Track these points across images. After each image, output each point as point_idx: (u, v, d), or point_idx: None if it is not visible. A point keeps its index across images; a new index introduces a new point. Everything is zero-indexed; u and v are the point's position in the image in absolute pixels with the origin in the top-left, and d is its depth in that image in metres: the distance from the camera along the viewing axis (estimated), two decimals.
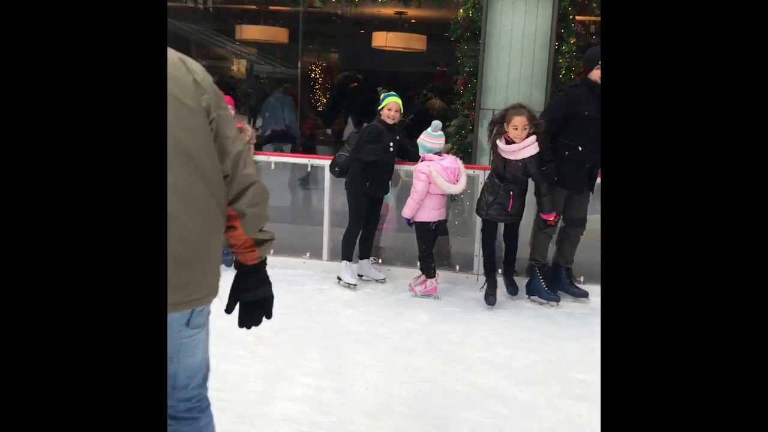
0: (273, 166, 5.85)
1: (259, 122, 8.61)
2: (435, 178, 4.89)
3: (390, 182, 5.54)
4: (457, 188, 5.02)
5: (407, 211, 5.08)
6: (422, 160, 5.08)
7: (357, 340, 4.25)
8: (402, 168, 5.61)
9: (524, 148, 4.72)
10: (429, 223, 5.08)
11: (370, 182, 5.26)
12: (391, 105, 5.20)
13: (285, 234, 6.47)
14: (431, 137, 5.03)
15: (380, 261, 5.70)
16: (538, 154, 4.75)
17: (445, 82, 9.30)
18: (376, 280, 5.44)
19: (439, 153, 5.02)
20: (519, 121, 4.69)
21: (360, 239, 5.47)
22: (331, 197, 5.77)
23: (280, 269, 5.69)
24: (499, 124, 4.82)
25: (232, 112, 5.52)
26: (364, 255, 5.53)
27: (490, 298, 5.01)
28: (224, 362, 3.82)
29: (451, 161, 5.00)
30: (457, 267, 5.67)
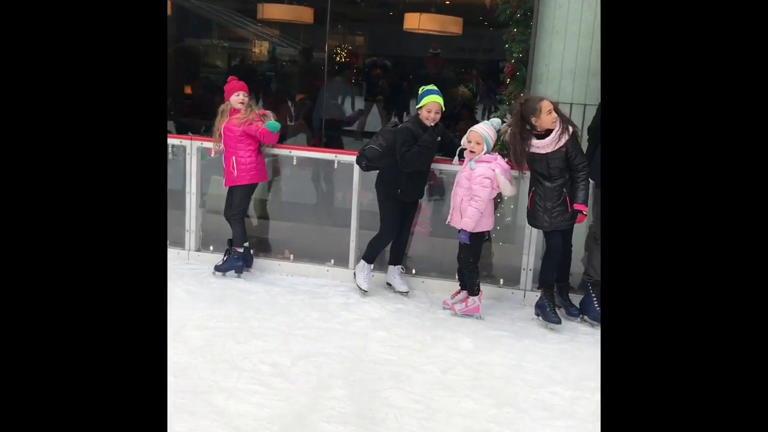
0: (295, 161, 5.20)
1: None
2: (502, 183, 4.27)
3: (425, 187, 4.88)
4: (514, 190, 4.46)
5: (471, 224, 4.30)
6: (464, 158, 4.42)
7: (390, 373, 3.61)
8: (436, 167, 4.93)
9: (562, 132, 4.16)
10: (484, 233, 4.46)
11: (402, 189, 4.63)
12: (430, 106, 4.49)
13: (306, 237, 5.86)
14: (495, 135, 4.34)
15: (413, 271, 5.05)
16: (572, 138, 4.20)
17: (437, 66, 8.64)
18: (399, 292, 4.79)
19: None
20: (548, 104, 4.17)
21: (391, 244, 4.86)
22: (359, 196, 5.11)
23: (300, 277, 5.11)
24: (523, 122, 4.20)
25: (245, 99, 4.88)
26: (393, 261, 4.90)
27: (553, 317, 4.36)
28: (234, 400, 3.21)
29: (504, 161, 4.35)
30: (502, 281, 5.00)
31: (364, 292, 4.73)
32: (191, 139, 5.28)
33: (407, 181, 4.60)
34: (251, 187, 5.07)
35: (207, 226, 5.50)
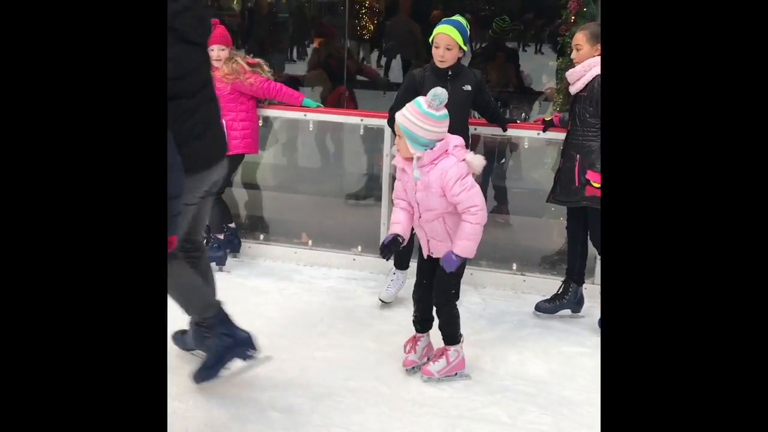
0: (312, 126, 4.21)
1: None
2: (477, 163, 2.82)
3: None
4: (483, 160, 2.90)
5: (473, 247, 2.83)
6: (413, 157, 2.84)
7: (442, 422, 2.70)
8: (484, 131, 3.93)
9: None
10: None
11: None
12: (437, 40, 3.36)
13: (327, 216, 4.91)
14: (432, 120, 2.75)
15: None
16: None
17: None
18: None
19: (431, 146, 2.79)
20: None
21: None
22: (391, 165, 4.12)
23: (321, 268, 4.19)
24: None
25: (221, 53, 3.89)
26: None
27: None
28: None
29: (455, 137, 2.89)
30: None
31: (382, 303, 3.71)
32: None
33: None
34: (238, 160, 4.12)
35: None
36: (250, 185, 4.95)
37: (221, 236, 4.08)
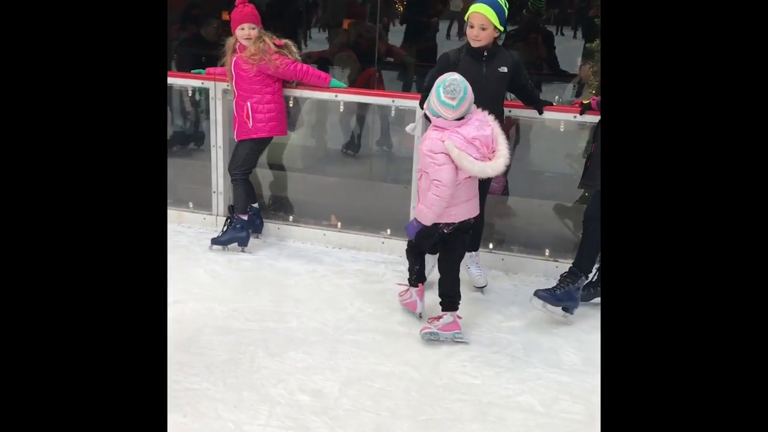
0: (342, 107, 4.16)
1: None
2: (457, 157, 2.88)
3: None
4: (495, 166, 2.95)
5: (429, 216, 3.01)
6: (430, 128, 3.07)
7: (473, 410, 2.66)
8: (521, 113, 3.82)
9: None
10: (439, 226, 3.09)
11: None
12: (471, 19, 3.27)
13: (356, 199, 4.87)
14: (434, 96, 2.97)
15: (490, 246, 4.03)
16: None
17: None
18: (476, 287, 3.70)
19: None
20: None
21: None
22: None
23: (350, 251, 4.16)
24: None
25: (252, 32, 3.82)
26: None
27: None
28: None
29: (479, 123, 2.97)
30: None
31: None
32: (216, 80, 4.27)
33: None
34: (265, 142, 4.09)
35: None
36: (279, 166, 4.93)
37: (245, 217, 4.06)
